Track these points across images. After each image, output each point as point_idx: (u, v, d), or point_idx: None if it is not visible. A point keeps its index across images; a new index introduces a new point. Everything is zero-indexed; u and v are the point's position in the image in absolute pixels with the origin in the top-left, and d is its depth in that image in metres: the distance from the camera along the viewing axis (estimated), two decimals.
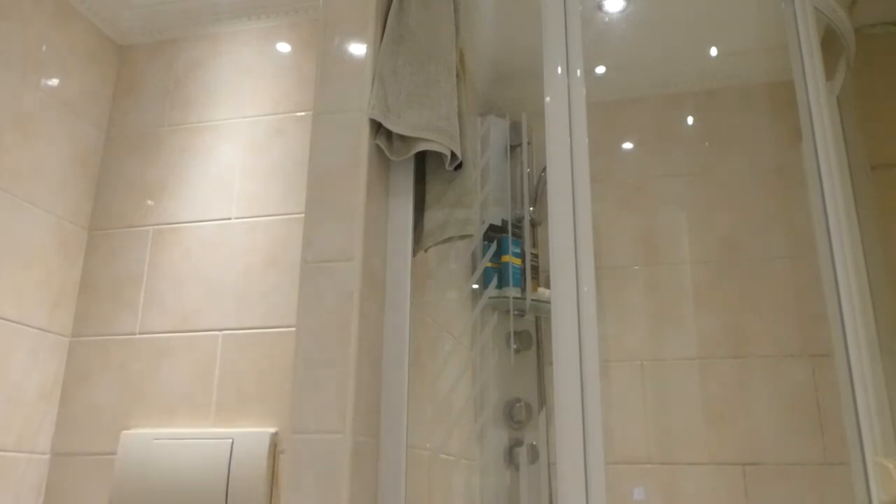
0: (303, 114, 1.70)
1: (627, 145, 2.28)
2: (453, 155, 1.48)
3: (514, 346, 2.16)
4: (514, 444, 2.10)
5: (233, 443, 1.47)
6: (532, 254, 2.16)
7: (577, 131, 1.40)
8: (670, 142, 2.24)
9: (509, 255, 2.10)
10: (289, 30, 1.79)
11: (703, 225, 2.15)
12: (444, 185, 1.53)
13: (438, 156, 1.50)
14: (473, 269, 2.11)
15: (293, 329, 1.39)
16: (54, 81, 1.68)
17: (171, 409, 1.56)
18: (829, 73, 1.57)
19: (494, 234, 2.12)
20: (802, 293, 2.01)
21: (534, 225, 2.22)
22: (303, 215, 1.45)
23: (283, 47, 1.78)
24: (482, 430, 2.06)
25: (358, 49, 1.51)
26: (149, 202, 1.74)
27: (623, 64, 2.22)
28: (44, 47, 1.66)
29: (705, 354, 2.04)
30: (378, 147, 1.47)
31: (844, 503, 1.75)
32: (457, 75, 1.54)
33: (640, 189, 2.22)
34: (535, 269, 2.15)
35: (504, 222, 2.15)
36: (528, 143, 2.25)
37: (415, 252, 1.51)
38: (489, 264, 2.09)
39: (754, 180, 2.14)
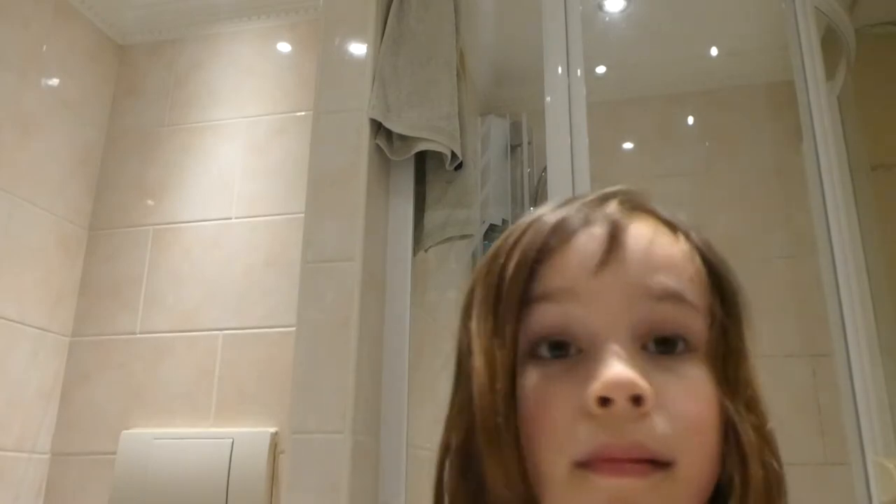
0: (303, 114, 1.70)
1: (627, 145, 2.28)
2: (454, 155, 1.48)
3: None
4: None
5: (233, 443, 1.47)
6: None
7: (577, 131, 1.40)
8: (670, 142, 2.24)
9: None
10: (289, 30, 1.79)
11: (703, 225, 2.14)
12: (444, 185, 1.53)
13: (439, 156, 1.50)
14: (473, 269, 2.10)
15: (293, 329, 1.39)
16: (54, 81, 1.68)
17: (171, 409, 1.56)
18: (829, 73, 1.57)
19: (494, 234, 2.12)
20: (802, 293, 2.01)
21: None
22: (303, 215, 1.45)
23: (284, 47, 1.78)
24: None
25: (358, 49, 1.51)
26: (149, 202, 1.74)
27: (623, 64, 2.22)
28: (44, 47, 1.66)
29: None
30: (378, 147, 1.47)
31: (844, 503, 1.74)
32: (457, 75, 1.54)
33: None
34: None
35: (504, 222, 2.15)
36: (529, 143, 2.24)
37: (415, 252, 1.51)
38: None
39: (754, 180, 2.13)
